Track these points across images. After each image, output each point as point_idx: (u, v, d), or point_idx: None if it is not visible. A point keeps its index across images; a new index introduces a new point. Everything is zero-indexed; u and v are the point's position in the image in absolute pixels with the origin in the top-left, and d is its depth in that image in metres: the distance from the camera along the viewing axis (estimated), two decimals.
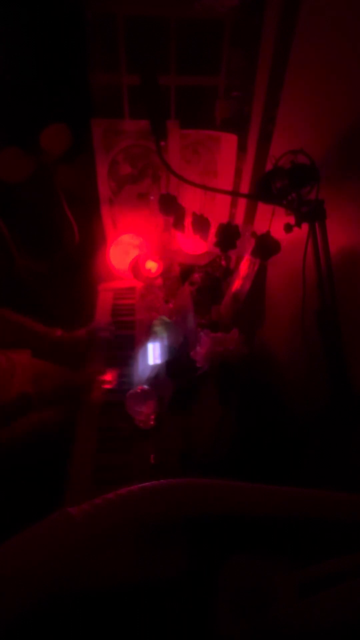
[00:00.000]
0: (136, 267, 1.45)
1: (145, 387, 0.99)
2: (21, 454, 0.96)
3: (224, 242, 0.98)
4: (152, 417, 0.96)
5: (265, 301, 1.02)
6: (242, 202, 1.34)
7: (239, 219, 1.36)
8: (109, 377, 1.08)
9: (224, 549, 0.50)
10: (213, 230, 1.04)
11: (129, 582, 0.46)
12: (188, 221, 1.14)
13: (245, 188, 1.29)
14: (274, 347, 1.10)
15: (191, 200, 1.37)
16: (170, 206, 1.15)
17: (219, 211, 1.42)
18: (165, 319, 1.28)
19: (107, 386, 1.06)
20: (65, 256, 1.54)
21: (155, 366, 1.10)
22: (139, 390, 0.97)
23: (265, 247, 0.88)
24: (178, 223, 1.16)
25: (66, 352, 1.15)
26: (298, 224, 0.74)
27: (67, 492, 0.83)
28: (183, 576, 0.50)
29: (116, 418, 0.98)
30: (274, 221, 0.85)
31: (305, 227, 0.74)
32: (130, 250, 1.52)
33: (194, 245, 1.42)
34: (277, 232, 0.84)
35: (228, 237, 0.97)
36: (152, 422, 0.96)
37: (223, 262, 1.43)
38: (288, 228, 0.76)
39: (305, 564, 0.46)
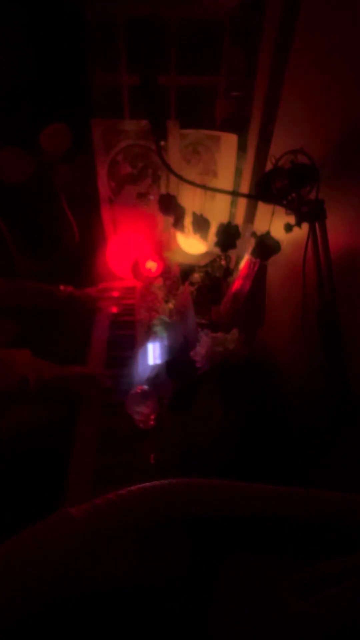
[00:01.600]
0: (136, 267, 1.45)
1: (145, 387, 0.99)
2: (20, 453, 0.96)
3: (224, 242, 0.98)
4: (152, 417, 0.96)
5: (265, 301, 1.01)
6: (242, 202, 1.34)
7: (239, 219, 1.36)
8: (109, 379, 1.08)
9: (224, 549, 0.50)
10: (213, 230, 1.04)
11: (129, 582, 0.46)
12: (188, 221, 1.14)
13: (245, 188, 1.29)
14: (274, 347, 1.10)
15: (191, 200, 1.37)
16: (170, 206, 1.15)
17: (219, 211, 1.42)
18: (165, 319, 1.28)
19: (107, 385, 1.06)
20: (65, 256, 1.54)
21: (155, 366, 1.10)
22: (138, 391, 0.97)
23: (265, 247, 0.88)
24: (178, 223, 1.16)
25: (78, 307, 1.25)
26: (298, 224, 0.74)
27: (67, 492, 0.83)
28: (183, 576, 0.50)
29: (116, 418, 0.98)
30: (274, 221, 0.85)
31: (305, 227, 0.74)
32: (130, 250, 1.52)
33: (194, 245, 1.42)
34: (277, 232, 0.84)
35: (228, 237, 0.97)
36: (152, 422, 0.96)
37: (223, 262, 1.44)
38: (288, 228, 0.76)
39: (305, 564, 0.46)
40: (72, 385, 1.02)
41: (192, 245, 1.42)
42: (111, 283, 1.52)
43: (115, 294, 1.42)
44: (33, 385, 0.91)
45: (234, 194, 1.38)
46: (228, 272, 1.40)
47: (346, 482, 0.72)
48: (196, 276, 1.43)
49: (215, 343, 0.94)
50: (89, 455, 0.91)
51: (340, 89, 0.73)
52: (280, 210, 0.80)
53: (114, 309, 1.38)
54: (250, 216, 1.30)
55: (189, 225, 1.14)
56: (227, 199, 1.41)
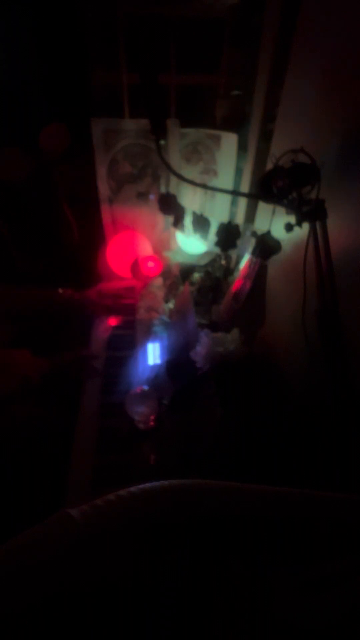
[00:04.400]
0: (136, 267, 1.45)
1: (145, 387, 0.99)
2: (20, 453, 0.95)
3: (224, 242, 0.98)
4: (152, 417, 0.96)
5: (265, 301, 1.01)
6: (243, 202, 1.33)
7: (240, 218, 1.36)
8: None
9: (223, 549, 0.49)
10: (213, 230, 1.04)
11: (129, 583, 0.46)
12: (188, 220, 1.14)
13: (245, 187, 1.28)
14: (274, 346, 1.10)
15: (191, 199, 1.37)
16: (170, 205, 1.15)
17: (219, 210, 1.42)
18: (165, 319, 1.27)
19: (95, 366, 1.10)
20: (64, 256, 1.54)
21: (155, 366, 1.10)
22: (138, 391, 0.97)
23: (266, 247, 0.88)
24: (178, 222, 1.16)
25: (76, 311, 1.24)
26: (299, 224, 0.74)
27: (67, 492, 0.83)
28: (183, 576, 0.49)
29: (116, 418, 0.98)
30: (274, 220, 0.85)
31: (306, 226, 0.73)
32: (130, 250, 1.51)
33: (194, 245, 1.42)
34: (278, 231, 0.84)
35: (228, 236, 0.97)
36: (152, 423, 0.96)
37: (223, 262, 1.43)
38: (288, 227, 0.76)
39: (305, 565, 0.46)
40: (69, 371, 1.05)
41: (192, 245, 1.42)
42: (111, 284, 1.52)
43: (114, 297, 1.40)
44: (36, 382, 0.91)
45: (235, 193, 1.37)
46: (228, 271, 1.39)
47: (346, 483, 0.72)
48: (196, 276, 1.43)
49: (215, 343, 0.94)
50: (88, 456, 0.91)
51: (340, 88, 0.73)
52: (280, 209, 0.79)
53: (112, 320, 1.35)
54: (250, 216, 1.30)
55: (189, 225, 1.13)
56: (228, 198, 1.41)
